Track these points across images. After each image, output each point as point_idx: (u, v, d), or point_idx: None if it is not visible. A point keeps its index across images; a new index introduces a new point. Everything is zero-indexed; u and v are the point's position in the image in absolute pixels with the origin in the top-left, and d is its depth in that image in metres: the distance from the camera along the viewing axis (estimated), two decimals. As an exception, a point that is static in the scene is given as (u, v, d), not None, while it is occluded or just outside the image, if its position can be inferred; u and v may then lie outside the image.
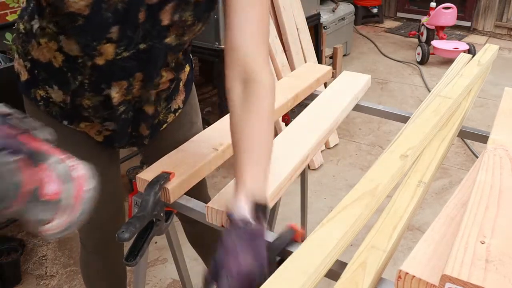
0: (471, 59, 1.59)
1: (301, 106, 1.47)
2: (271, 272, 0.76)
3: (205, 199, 1.24)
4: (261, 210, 0.81)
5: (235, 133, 0.89)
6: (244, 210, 0.79)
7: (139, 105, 1.13)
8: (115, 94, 1.05)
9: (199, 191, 1.28)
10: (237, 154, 0.86)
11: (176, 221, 1.11)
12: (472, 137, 1.36)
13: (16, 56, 1.13)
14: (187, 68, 1.22)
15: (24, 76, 1.12)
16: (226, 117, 1.05)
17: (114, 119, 1.11)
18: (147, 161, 1.35)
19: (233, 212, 0.80)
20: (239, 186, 0.82)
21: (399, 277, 0.74)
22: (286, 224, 0.89)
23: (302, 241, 0.85)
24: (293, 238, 0.86)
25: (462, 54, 1.64)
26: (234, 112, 0.90)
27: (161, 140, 1.25)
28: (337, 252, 0.84)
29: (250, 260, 0.74)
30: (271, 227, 1.65)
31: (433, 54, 4.41)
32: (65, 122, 1.13)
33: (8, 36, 2.02)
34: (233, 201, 0.81)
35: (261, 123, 0.88)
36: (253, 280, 0.72)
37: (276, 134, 1.08)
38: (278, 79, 1.75)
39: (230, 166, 2.74)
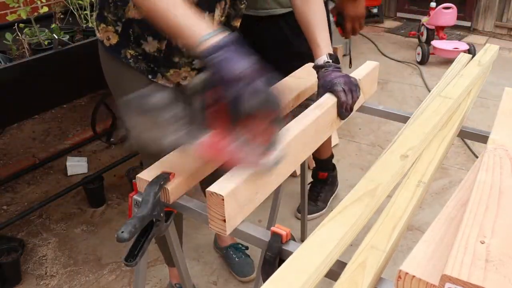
0: (471, 59, 1.59)
1: (302, 106, 1.47)
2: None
3: None
4: (333, 58, 1.26)
5: (300, 21, 1.32)
6: (325, 58, 1.26)
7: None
8: (217, 16, 1.24)
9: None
10: (309, 29, 1.30)
11: (176, 221, 1.11)
12: (472, 137, 1.36)
13: (102, 26, 1.32)
14: None
15: (114, 40, 1.32)
16: None
17: None
18: None
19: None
20: (316, 48, 1.28)
21: (399, 277, 0.74)
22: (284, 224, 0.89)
23: (303, 240, 0.85)
24: None
25: (461, 54, 1.64)
26: (295, 4, 1.34)
27: None
28: (337, 252, 0.84)
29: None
30: (271, 226, 1.65)
31: (433, 54, 4.41)
32: (150, 76, 1.34)
33: (8, 36, 2.01)
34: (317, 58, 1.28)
35: (318, 6, 1.33)
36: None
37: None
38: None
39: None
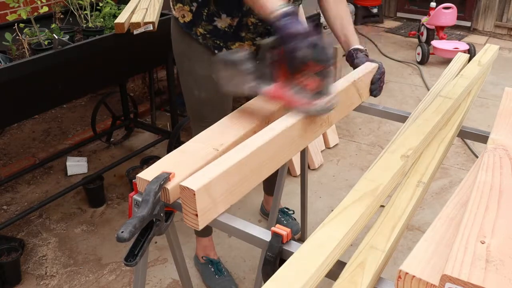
0: (470, 59, 1.59)
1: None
2: None
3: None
4: (361, 51, 1.51)
5: (335, 18, 1.57)
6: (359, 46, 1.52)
7: None
8: None
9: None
10: (343, 24, 1.56)
11: (176, 221, 1.11)
12: (472, 137, 1.36)
13: (179, 6, 1.58)
14: None
15: (188, 18, 1.58)
16: (225, 119, 1.22)
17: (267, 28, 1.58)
18: None
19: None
20: (352, 36, 1.54)
21: (399, 277, 0.74)
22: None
23: (303, 240, 0.85)
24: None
25: (459, 54, 1.64)
26: (329, 6, 1.58)
27: None
28: (338, 252, 0.84)
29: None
30: (271, 225, 1.66)
31: (433, 54, 4.41)
32: (216, 51, 1.61)
33: (8, 36, 2.01)
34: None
35: (347, 8, 1.60)
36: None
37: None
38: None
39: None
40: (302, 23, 1.11)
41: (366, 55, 1.53)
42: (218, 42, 1.61)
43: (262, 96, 1.18)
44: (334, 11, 1.59)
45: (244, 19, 1.55)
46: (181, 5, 1.58)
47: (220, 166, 0.95)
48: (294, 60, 1.06)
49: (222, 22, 1.56)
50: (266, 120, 1.25)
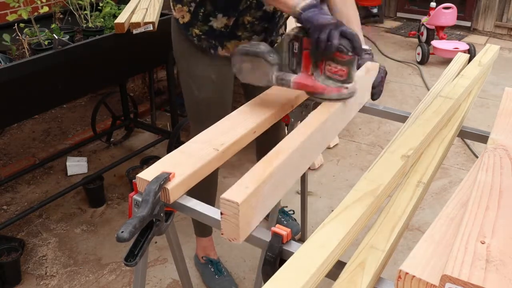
0: (470, 59, 1.59)
1: (302, 106, 1.47)
2: None
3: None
4: (365, 50, 1.43)
5: (344, 14, 1.51)
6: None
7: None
8: None
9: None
10: (348, 23, 1.36)
11: (176, 221, 1.11)
12: (472, 137, 1.36)
13: (178, 7, 1.59)
14: None
15: (186, 19, 1.59)
16: (225, 119, 1.23)
17: (269, 22, 1.60)
18: (244, 87, 1.85)
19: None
20: None
21: (399, 277, 0.74)
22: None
23: (303, 240, 0.85)
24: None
25: (459, 54, 1.64)
26: (335, 7, 1.50)
27: None
28: (338, 252, 0.84)
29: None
30: (272, 225, 1.66)
31: (433, 54, 4.41)
32: (212, 51, 1.62)
33: (6, 37, 2.01)
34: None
35: (355, 11, 1.56)
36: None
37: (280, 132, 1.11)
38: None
39: (230, 167, 2.76)
40: (328, 14, 1.16)
41: (370, 54, 1.53)
42: (213, 42, 1.61)
43: (289, 85, 1.21)
44: (343, 12, 1.60)
45: (240, 18, 1.55)
46: (180, 6, 1.59)
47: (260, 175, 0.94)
48: (326, 49, 1.10)
49: (218, 22, 1.56)
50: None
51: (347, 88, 1.18)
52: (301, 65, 1.19)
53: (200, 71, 1.66)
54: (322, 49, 1.11)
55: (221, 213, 0.89)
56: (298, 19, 1.17)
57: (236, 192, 0.89)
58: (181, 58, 1.72)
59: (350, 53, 1.12)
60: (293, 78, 1.20)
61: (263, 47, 1.19)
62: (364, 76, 1.38)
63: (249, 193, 0.88)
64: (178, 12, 1.61)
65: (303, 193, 2.12)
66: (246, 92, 1.86)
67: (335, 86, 1.17)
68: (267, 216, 2.32)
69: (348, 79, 1.16)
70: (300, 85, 1.20)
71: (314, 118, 1.16)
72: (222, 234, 0.91)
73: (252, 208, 0.91)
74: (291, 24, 1.32)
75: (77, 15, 2.30)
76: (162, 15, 2.38)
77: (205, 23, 1.57)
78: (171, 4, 1.63)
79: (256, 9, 1.54)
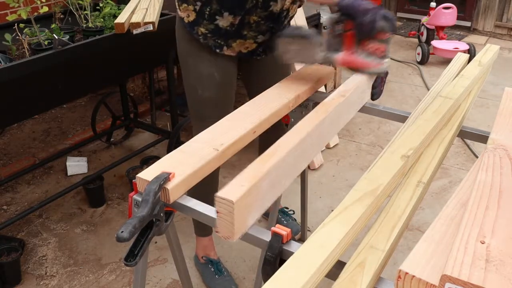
0: (470, 59, 1.59)
1: (302, 106, 1.47)
2: None
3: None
4: None
5: None
6: None
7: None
8: None
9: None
10: None
11: (176, 221, 1.11)
12: (472, 137, 1.36)
13: (184, 6, 1.60)
14: None
15: (191, 18, 1.61)
16: (225, 119, 1.23)
17: (275, 22, 1.63)
18: (248, 88, 1.90)
19: None
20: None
21: (399, 277, 0.74)
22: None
23: (303, 240, 0.85)
24: None
25: (459, 54, 1.64)
26: None
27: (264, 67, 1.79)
28: (338, 252, 0.84)
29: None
30: (271, 225, 1.66)
31: (433, 54, 4.41)
32: (217, 50, 1.64)
33: (8, 37, 2.01)
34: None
35: None
36: None
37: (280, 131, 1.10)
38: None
39: (230, 166, 2.75)
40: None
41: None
42: (219, 41, 1.63)
43: (334, 63, 1.36)
44: None
45: (246, 17, 1.57)
46: (185, 5, 1.60)
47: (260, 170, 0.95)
48: (371, 30, 1.24)
49: (224, 21, 1.57)
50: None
51: (384, 63, 1.31)
52: (343, 45, 1.32)
53: (205, 70, 1.67)
54: (368, 30, 1.24)
55: (217, 211, 0.89)
56: (339, 6, 1.30)
57: (231, 190, 0.89)
58: (185, 57, 1.73)
59: (388, 33, 1.26)
60: (338, 56, 1.32)
61: (309, 30, 1.36)
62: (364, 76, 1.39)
63: (244, 192, 0.88)
64: (183, 11, 1.62)
65: (303, 193, 2.12)
66: (250, 93, 1.86)
67: (376, 62, 1.29)
68: (267, 216, 2.33)
69: (385, 55, 1.30)
70: (346, 61, 1.32)
71: (312, 117, 1.17)
72: (216, 231, 0.91)
73: (248, 206, 0.91)
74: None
75: (77, 15, 2.30)
76: (162, 15, 2.38)
77: (211, 22, 1.58)
78: (176, 3, 1.65)
79: (262, 9, 1.56)
